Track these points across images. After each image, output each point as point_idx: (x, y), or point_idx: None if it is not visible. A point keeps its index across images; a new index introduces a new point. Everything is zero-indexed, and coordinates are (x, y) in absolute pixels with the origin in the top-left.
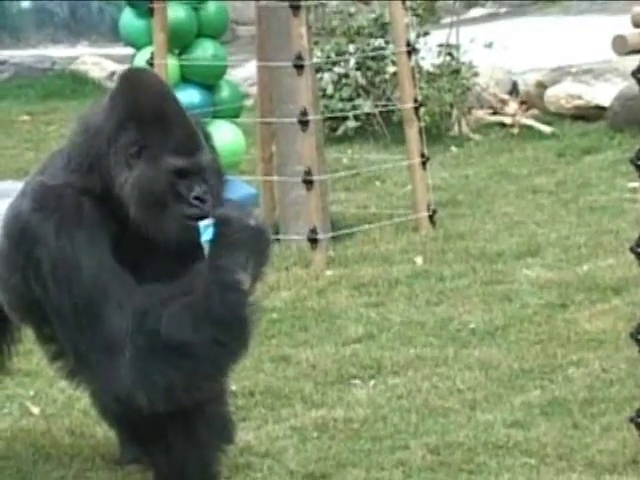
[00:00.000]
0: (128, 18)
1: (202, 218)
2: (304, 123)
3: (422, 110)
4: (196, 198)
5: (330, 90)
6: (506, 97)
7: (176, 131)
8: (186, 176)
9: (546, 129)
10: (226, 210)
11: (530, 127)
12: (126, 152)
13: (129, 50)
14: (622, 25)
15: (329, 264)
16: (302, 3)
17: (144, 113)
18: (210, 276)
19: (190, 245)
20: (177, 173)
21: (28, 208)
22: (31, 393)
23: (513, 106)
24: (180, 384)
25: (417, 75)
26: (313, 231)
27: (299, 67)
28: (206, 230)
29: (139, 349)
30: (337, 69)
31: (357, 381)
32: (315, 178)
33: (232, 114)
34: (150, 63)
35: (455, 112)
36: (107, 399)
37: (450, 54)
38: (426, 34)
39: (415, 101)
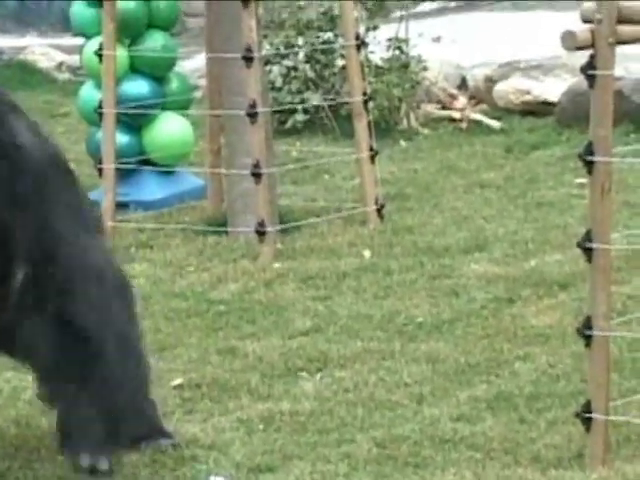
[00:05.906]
0: (79, 7)
1: None
2: (253, 115)
3: (371, 104)
4: None
5: (279, 83)
6: (455, 92)
7: None
8: None
9: (495, 124)
10: None
11: (479, 122)
12: None
13: (78, 41)
14: (571, 21)
15: (277, 257)
16: None
17: None
18: None
19: None
20: None
21: None
22: None
23: (462, 101)
24: None
25: (366, 69)
26: (261, 224)
27: (248, 59)
28: None
29: None
30: (286, 62)
31: (304, 374)
32: (263, 171)
33: (181, 106)
34: (99, 53)
35: (404, 106)
36: None
37: (399, 48)
38: (375, 28)
39: (364, 95)
